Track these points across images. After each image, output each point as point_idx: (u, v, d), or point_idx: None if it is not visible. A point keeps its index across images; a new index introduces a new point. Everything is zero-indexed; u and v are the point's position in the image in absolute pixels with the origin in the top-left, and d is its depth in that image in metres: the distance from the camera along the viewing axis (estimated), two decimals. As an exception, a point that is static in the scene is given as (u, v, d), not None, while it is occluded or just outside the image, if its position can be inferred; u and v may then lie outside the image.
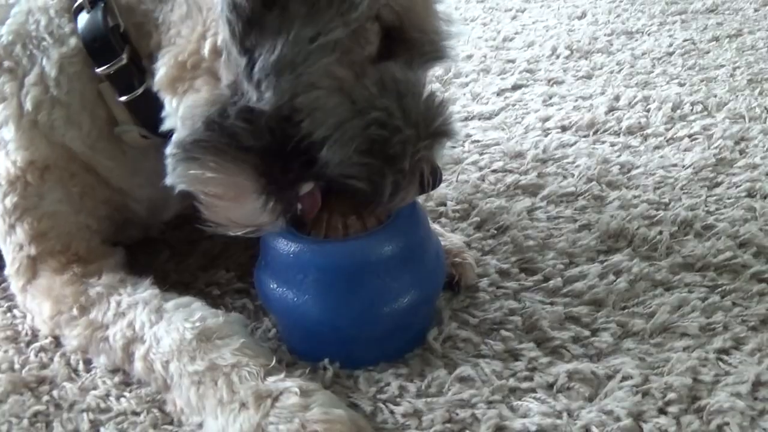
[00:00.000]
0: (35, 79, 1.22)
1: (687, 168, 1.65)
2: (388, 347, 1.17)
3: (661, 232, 1.41)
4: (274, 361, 1.07)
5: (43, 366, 1.22)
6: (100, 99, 1.22)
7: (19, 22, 1.24)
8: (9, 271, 1.30)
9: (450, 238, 1.34)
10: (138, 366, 1.12)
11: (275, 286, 1.14)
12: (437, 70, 2.31)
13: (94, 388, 1.16)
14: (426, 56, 1.17)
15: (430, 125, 1.12)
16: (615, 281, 1.29)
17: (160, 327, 1.12)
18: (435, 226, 1.38)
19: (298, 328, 1.17)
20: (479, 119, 2.03)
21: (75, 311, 1.20)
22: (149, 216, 1.40)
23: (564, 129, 1.91)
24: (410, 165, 1.08)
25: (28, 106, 1.22)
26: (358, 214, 1.13)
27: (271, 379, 1.03)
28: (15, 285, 1.30)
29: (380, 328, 1.14)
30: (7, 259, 1.30)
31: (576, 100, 2.07)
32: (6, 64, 1.24)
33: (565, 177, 1.67)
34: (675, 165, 1.68)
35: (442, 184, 1.65)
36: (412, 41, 1.15)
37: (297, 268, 1.12)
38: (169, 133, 1.11)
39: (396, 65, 1.11)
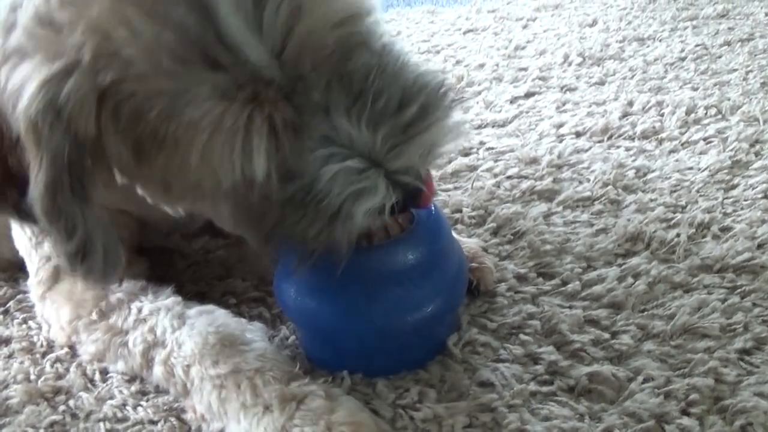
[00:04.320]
0: None
1: (703, 171, 1.64)
2: (410, 357, 1.16)
3: (678, 235, 1.40)
4: (297, 367, 1.07)
5: (59, 376, 1.22)
6: None
7: None
8: (31, 281, 1.31)
9: (467, 243, 1.34)
10: (157, 371, 1.12)
11: (296, 295, 1.13)
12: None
13: (111, 398, 1.16)
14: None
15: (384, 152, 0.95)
16: (634, 284, 1.28)
17: (182, 332, 1.12)
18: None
19: (319, 337, 1.17)
20: (493, 127, 2.03)
21: (94, 316, 1.20)
22: (169, 230, 1.41)
23: (578, 135, 1.91)
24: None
25: None
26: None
27: (294, 383, 1.03)
28: (35, 294, 1.30)
29: (402, 337, 1.14)
30: (31, 270, 1.30)
31: (589, 106, 2.07)
32: None
33: (580, 182, 1.66)
34: (691, 168, 1.67)
35: (457, 192, 1.65)
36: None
37: (318, 276, 1.11)
38: None
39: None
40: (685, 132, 1.84)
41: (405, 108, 0.95)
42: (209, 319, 1.14)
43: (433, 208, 1.17)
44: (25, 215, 0.99)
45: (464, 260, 1.21)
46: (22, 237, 1.30)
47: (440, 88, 0.99)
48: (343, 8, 0.93)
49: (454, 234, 1.26)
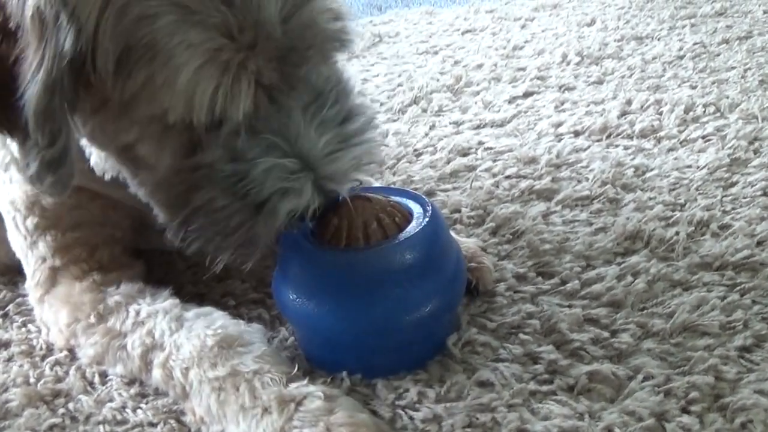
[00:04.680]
0: None
1: (702, 169, 1.64)
2: (409, 356, 1.16)
3: (677, 233, 1.40)
4: (296, 369, 1.07)
5: (59, 379, 1.22)
6: None
7: None
8: (29, 283, 1.31)
9: (466, 242, 1.34)
10: (156, 374, 1.12)
11: (294, 296, 1.13)
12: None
13: (110, 401, 1.16)
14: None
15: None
16: (633, 282, 1.28)
17: (180, 334, 1.13)
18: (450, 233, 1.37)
19: (317, 337, 1.17)
20: (491, 127, 2.02)
21: (92, 319, 1.20)
22: None
23: (577, 134, 1.90)
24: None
25: (17, 154, 1.22)
26: (378, 221, 1.12)
27: (293, 385, 1.03)
28: (33, 296, 1.30)
29: (401, 337, 1.14)
30: (28, 272, 1.31)
31: (588, 105, 2.07)
32: None
33: (579, 181, 1.66)
34: (689, 166, 1.67)
35: (456, 192, 1.65)
36: None
37: (316, 278, 1.12)
38: None
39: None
40: (684, 130, 1.84)
41: (348, 122, 1.07)
42: (207, 321, 1.14)
43: (429, 207, 1.17)
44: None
45: (462, 260, 1.21)
46: (17, 237, 1.30)
47: (374, 116, 1.13)
48: (342, 8, 1.04)
49: (452, 234, 1.26)
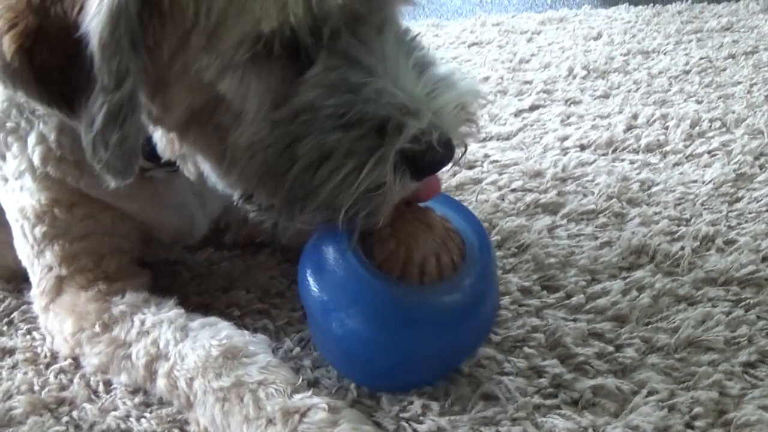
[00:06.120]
0: (36, 140, 1.22)
1: (707, 184, 1.64)
2: (421, 379, 1.15)
3: (683, 248, 1.40)
4: (300, 380, 1.07)
5: (63, 387, 1.22)
6: None
7: (8, 94, 1.22)
8: (34, 291, 1.31)
9: None
10: (161, 384, 1.12)
11: (330, 310, 1.10)
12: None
13: (115, 409, 1.16)
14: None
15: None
16: (638, 297, 1.28)
17: (185, 344, 1.12)
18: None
19: (333, 341, 1.14)
20: (497, 140, 2.03)
21: (97, 328, 1.20)
22: (174, 241, 1.41)
23: (583, 148, 1.91)
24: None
25: (36, 162, 1.22)
26: (437, 257, 1.09)
27: (297, 396, 1.03)
28: (38, 305, 1.30)
29: (419, 371, 1.13)
30: (34, 281, 1.31)
31: (594, 119, 2.07)
32: (9, 124, 1.24)
33: (585, 195, 1.66)
34: (695, 181, 1.67)
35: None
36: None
37: (355, 297, 1.08)
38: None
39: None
40: (690, 145, 1.84)
41: (434, 66, 1.02)
42: (212, 331, 1.14)
43: (487, 245, 1.16)
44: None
45: (497, 303, 1.23)
46: (24, 245, 1.30)
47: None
48: None
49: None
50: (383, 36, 0.98)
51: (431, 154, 0.97)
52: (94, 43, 0.90)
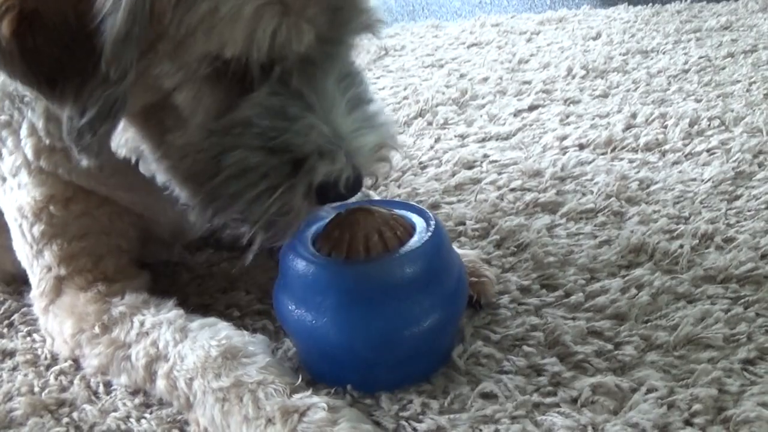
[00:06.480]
0: (28, 131, 1.24)
1: (706, 182, 1.64)
2: (411, 370, 1.15)
3: (681, 246, 1.40)
4: (299, 379, 1.07)
5: (63, 389, 1.22)
6: None
7: (1, 81, 1.26)
8: (34, 293, 1.31)
9: (467, 255, 1.33)
10: (160, 384, 1.12)
11: (293, 307, 1.13)
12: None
13: (115, 410, 1.16)
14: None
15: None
16: (637, 295, 1.28)
17: (184, 345, 1.13)
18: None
19: (317, 350, 1.16)
20: (497, 140, 2.03)
21: (97, 329, 1.20)
22: (172, 238, 1.41)
23: (582, 147, 1.91)
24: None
25: (29, 155, 1.24)
26: (380, 233, 1.12)
27: (297, 396, 1.03)
28: (38, 306, 1.30)
29: (401, 351, 1.13)
30: (33, 282, 1.31)
31: (593, 119, 2.07)
32: (2, 117, 1.26)
33: (584, 194, 1.66)
34: (694, 179, 1.67)
35: (461, 204, 1.65)
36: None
37: (316, 289, 1.11)
38: None
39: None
40: (689, 143, 1.84)
41: (371, 104, 1.10)
42: (211, 332, 1.14)
43: (432, 221, 1.17)
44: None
45: (464, 274, 1.21)
46: (24, 246, 1.30)
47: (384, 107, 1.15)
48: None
49: (454, 247, 1.26)
50: (327, 74, 1.05)
51: (338, 190, 1.04)
52: (109, 37, 0.93)
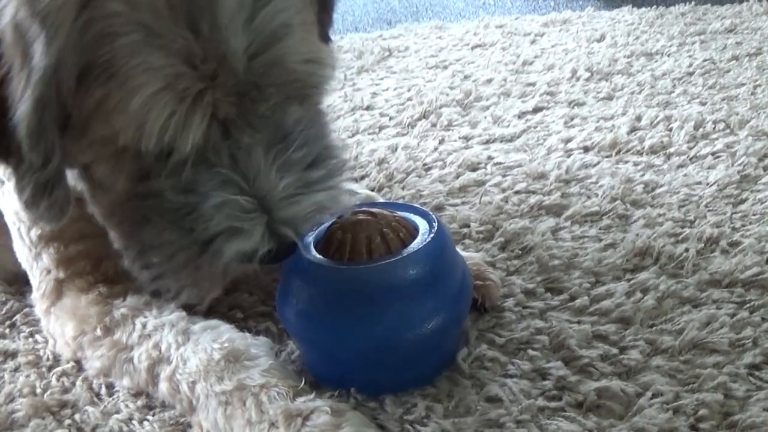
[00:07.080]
0: None
1: (711, 185, 1.64)
2: (415, 372, 1.15)
3: (687, 250, 1.40)
4: (303, 383, 1.06)
5: (65, 390, 1.22)
6: None
7: None
8: (35, 294, 1.31)
9: (472, 258, 1.33)
10: (163, 387, 1.12)
11: (296, 311, 1.13)
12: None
13: (117, 412, 1.16)
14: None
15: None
16: (642, 299, 1.28)
17: (187, 348, 1.12)
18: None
19: (320, 353, 1.16)
20: (501, 142, 2.02)
21: (99, 332, 1.20)
22: None
23: (586, 150, 1.90)
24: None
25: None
26: (382, 236, 1.12)
27: (300, 399, 1.02)
28: (39, 308, 1.30)
29: (404, 354, 1.13)
30: (34, 283, 1.31)
31: (597, 121, 2.06)
32: None
33: (588, 197, 1.65)
34: (699, 183, 1.66)
35: (465, 207, 1.65)
36: None
37: (318, 292, 1.11)
38: None
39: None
40: (694, 147, 1.84)
41: (314, 167, 1.04)
42: (214, 334, 1.13)
43: (435, 222, 1.16)
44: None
45: (468, 276, 1.21)
46: (23, 248, 1.30)
47: (345, 161, 1.10)
48: (318, 51, 1.03)
49: (458, 250, 1.26)
50: (253, 144, 0.99)
51: (257, 262, 1.01)
52: (21, 128, 0.93)
